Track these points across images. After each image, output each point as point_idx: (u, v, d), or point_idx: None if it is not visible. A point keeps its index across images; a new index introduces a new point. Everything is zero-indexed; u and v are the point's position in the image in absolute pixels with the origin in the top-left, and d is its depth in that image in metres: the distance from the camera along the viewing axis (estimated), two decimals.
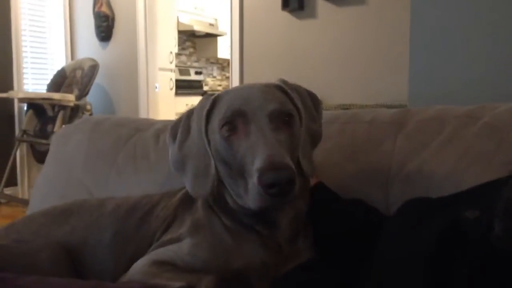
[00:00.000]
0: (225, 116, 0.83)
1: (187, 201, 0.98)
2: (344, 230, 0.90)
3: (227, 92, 0.90)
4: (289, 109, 0.86)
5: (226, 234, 0.89)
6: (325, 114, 1.23)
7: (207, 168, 0.87)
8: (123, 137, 1.35)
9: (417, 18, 1.96)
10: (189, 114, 0.94)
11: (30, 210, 1.42)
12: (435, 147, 1.01)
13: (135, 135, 1.35)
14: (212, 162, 0.86)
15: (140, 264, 0.88)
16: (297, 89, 0.93)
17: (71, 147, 1.40)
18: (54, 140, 1.47)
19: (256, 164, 0.75)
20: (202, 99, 0.93)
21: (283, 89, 0.90)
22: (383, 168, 1.05)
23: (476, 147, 0.96)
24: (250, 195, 0.77)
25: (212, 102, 0.89)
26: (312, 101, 0.96)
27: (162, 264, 0.86)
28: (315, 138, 0.93)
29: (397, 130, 1.08)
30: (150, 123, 1.39)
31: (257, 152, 0.76)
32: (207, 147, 0.87)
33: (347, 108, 2.88)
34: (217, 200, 0.92)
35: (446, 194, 0.84)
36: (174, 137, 0.94)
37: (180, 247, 0.89)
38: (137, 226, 1.01)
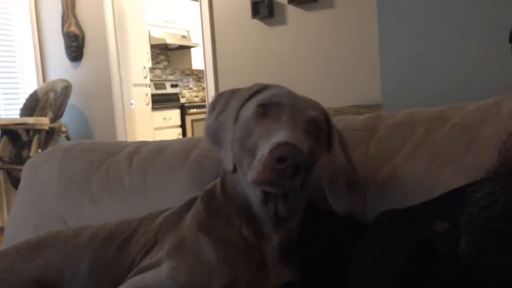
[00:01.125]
0: (266, 100, 0.85)
1: (171, 224, 0.96)
2: (324, 244, 0.89)
3: (280, 86, 0.92)
4: (323, 127, 0.87)
5: (210, 252, 0.87)
6: None
7: (228, 142, 0.88)
8: (95, 163, 1.33)
9: (384, 18, 1.97)
10: (235, 91, 0.95)
11: (4, 243, 1.38)
12: (407, 152, 1.01)
13: (107, 160, 1.32)
14: (229, 138, 0.87)
15: None
16: (338, 129, 0.95)
17: (43, 176, 1.37)
18: (25, 170, 1.44)
19: (273, 139, 0.75)
20: (254, 84, 0.95)
21: (326, 114, 0.91)
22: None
23: (447, 149, 0.97)
24: (254, 167, 0.76)
25: (261, 88, 0.91)
26: (349, 150, 0.95)
27: None
28: (352, 182, 0.90)
29: (368, 136, 1.08)
30: (122, 146, 1.37)
31: (280, 132, 0.77)
32: (233, 122, 0.88)
33: None
34: (217, 196, 0.93)
35: (420, 198, 0.84)
36: (213, 107, 0.95)
37: (158, 272, 0.87)
38: (115, 254, 0.98)
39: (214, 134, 0.92)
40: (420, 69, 1.91)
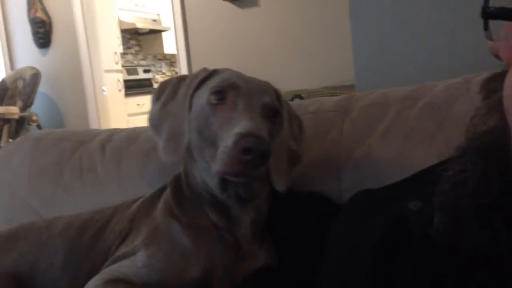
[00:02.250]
0: (219, 85, 0.84)
1: (144, 211, 0.95)
2: (301, 227, 0.89)
3: (228, 69, 0.91)
4: (279, 109, 0.87)
5: (184, 238, 0.87)
6: None
7: (182, 132, 0.86)
8: (66, 152, 1.30)
9: None
10: (182, 78, 0.94)
11: None
12: (380, 132, 1.02)
13: (79, 148, 1.30)
14: (187, 127, 0.86)
15: (92, 285, 0.84)
16: (287, 103, 0.95)
17: (13, 168, 1.34)
18: None
19: (236, 130, 0.74)
20: (200, 70, 0.93)
21: (278, 94, 0.91)
22: (332, 157, 1.05)
23: (419, 128, 0.98)
24: (218, 159, 0.76)
25: (209, 73, 0.89)
26: (297, 123, 0.97)
27: (116, 283, 0.83)
28: (294, 158, 0.93)
29: (342, 118, 1.08)
30: (94, 134, 1.34)
31: (241, 122, 0.76)
32: (187, 111, 0.87)
33: (298, 95, 2.89)
34: (183, 183, 0.93)
35: (395, 177, 0.85)
36: (159, 95, 0.93)
37: (134, 260, 0.86)
38: (91, 243, 0.97)
39: (159, 124, 0.90)
40: (391, 47, 1.92)
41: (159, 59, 7.12)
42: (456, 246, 0.44)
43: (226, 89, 0.83)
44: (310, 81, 3.43)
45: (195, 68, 3.99)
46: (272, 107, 0.85)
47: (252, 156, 0.72)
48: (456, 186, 0.47)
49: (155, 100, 0.93)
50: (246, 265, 0.87)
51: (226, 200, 0.88)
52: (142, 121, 4.93)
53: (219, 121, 0.80)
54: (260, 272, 0.85)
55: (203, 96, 0.85)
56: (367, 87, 1.93)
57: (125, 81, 5.58)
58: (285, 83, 3.47)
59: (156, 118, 0.91)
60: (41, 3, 4.46)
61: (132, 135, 1.29)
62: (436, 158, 0.83)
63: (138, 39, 6.71)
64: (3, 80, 4.38)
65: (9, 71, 4.65)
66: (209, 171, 0.82)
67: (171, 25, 4.08)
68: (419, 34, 1.85)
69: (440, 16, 1.79)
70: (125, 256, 0.88)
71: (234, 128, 0.75)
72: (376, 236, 0.53)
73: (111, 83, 5.08)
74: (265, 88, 0.88)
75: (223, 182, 0.84)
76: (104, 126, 4.59)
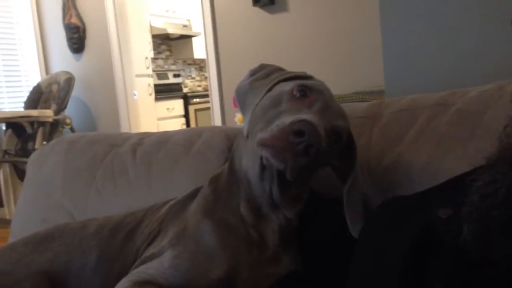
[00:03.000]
0: (309, 84, 0.84)
1: (174, 213, 0.97)
2: (329, 233, 0.89)
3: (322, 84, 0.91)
4: (343, 138, 0.85)
5: (211, 238, 0.87)
6: None
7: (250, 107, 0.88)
8: (99, 155, 1.33)
9: (385, 2, 1.96)
10: (280, 68, 0.98)
11: (12, 236, 1.40)
12: (410, 138, 1.01)
13: (111, 151, 1.33)
14: (257, 101, 0.87)
15: (121, 287, 0.86)
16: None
17: (48, 169, 1.38)
18: (29, 164, 1.45)
19: (299, 115, 0.74)
20: (301, 71, 0.95)
21: (350, 134, 0.90)
22: (361, 163, 1.04)
23: (450, 135, 0.96)
24: (269, 129, 0.75)
25: (307, 76, 0.92)
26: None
27: (143, 284, 0.84)
28: (366, 208, 0.88)
29: (371, 124, 1.08)
30: (125, 138, 1.37)
31: (308, 114, 0.75)
32: (266, 90, 0.88)
33: None
34: (221, 178, 0.94)
35: (425, 184, 0.84)
36: (253, 72, 0.96)
37: (161, 261, 0.87)
38: (121, 245, 0.99)
39: (243, 96, 0.92)
40: (422, 53, 1.89)
41: (189, 64, 7.19)
42: (485, 257, 0.44)
43: (312, 90, 0.83)
44: (339, 87, 3.40)
45: (224, 73, 4.02)
46: (339, 131, 0.83)
47: (300, 140, 0.70)
48: (486, 197, 0.47)
49: (248, 75, 0.96)
50: (270, 268, 0.87)
51: (259, 192, 0.87)
52: (171, 125, 4.92)
53: (289, 107, 0.80)
54: (287, 277, 0.85)
55: (288, 86, 0.85)
56: (397, 93, 1.91)
57: (155, 86, 5.65)
58: None
59: (242, 90, 0.93)
60: (76, 9, 4.58)
61: (162, 139, 1.32)
62: (467, 166, 0.82)
63: (169, 44, 6.80)
64: (38, 84, 4.50)
65: (44, 76, 4.78)
66: (256, 152, 0.82)
67: (201, 31, 4.11)
68: (451, 40, 1.82)
69: (472, 21, 1.76)
70: (153, 257, 0.90)
71: (298, 115, 0.75)
72: (406, 243, 0.53)
73: (141, 87, 5.16)
74: (344, 115, 0.87)
75: (262, 170, 0.84)
76: (134, 130, 4.67)
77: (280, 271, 0.87)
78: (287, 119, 0.74)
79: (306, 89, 0.83)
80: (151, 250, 0.92)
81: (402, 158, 1.00)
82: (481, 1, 1.72)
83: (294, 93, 0.82)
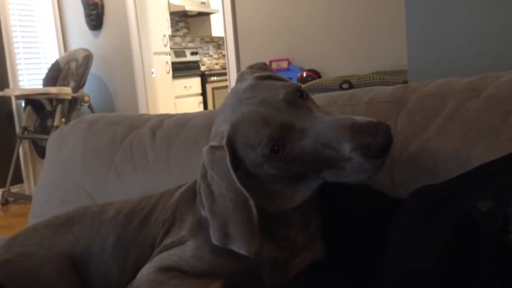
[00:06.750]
0: (269, 139, 0.72)
1: (187, 201, 0.95)
2: (355, 220, 0.86)
3: (237, 125, 0.76)
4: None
5: None
6: (323, 96, 1.20)
7: (251, 214, 0.76)
8: (118, 136, 1.32)
9: None
10: (204, 175, 0.81)
11: (32, 216, 1.41)
12: (438, 125, 0.97)
13: (131, 133, 1.32)
14: (252, 202, 0.76)
15: (145, 272, 0.86)
16: None
17: (67, 150, 1.38)
18: (49, 144, 1.45)
19: (346, 143, 0.66)
20: (210, 150, 0.79)
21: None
22: None
23: (481, 122, 0.93)
24: (345, 176, 0.70)
25: (229, 146, 0.76)
26: None
27: (168, 270, 0.84)
28: None
29: (397, 109, 1.04)
30: (145, 119, 1.36)
31: (355, 117, 0.67)
32: (246, 193, 0.76)
33: (347, 80, 2.82)
34: None
35: (452, 173, 0.81)
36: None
37: (184, 250, 0.86)
38: (137, 231, 0.98)
39: (223, 234, 0.79)
40: (449, 34, 1.83)
41: (207, 42, 7.14)
42: None
43: (281, 134, 0.73)
44: (359, 66, 3.34)
45: (243, 51, 3.97)
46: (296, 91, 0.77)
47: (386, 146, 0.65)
48: None
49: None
50: (297, 258, 0.86)
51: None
52: (188, 103, 4.91)
53: (308, 151, 0.72)
54: (313, 267, 0.83)
55: (257, 162, 0.76)
56: (420, 75, 1.85)
57: (173, 63, 5.62)
58: (333, 68, 3.41)
59: (219, 235, 0.79)
60: None
61: (181, 121, 1.30)
62: (498, 154, 0.79)
63: (187, 21, 6.75)
64: (56, 62, 4.51)
65: (63, 53, 4.78)
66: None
67: (220, 8, 4.06)
68: (479, 19, 1.75)
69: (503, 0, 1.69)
70: (174, 245, 0.89)
71: (342, 142, 0.67)
72: (444, 238, 0.50)
73: (159, 65, 5.14)
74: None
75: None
76: (152, 107, 4.67)
77: (307, 261, 0.85)
78: (349, 158, 0.66)
79: (277, 140, 0.72)
80: (170, 239, 0.91)
81: (429, 146, 0.96)
82: None
83: (279, 156, 0.73)
